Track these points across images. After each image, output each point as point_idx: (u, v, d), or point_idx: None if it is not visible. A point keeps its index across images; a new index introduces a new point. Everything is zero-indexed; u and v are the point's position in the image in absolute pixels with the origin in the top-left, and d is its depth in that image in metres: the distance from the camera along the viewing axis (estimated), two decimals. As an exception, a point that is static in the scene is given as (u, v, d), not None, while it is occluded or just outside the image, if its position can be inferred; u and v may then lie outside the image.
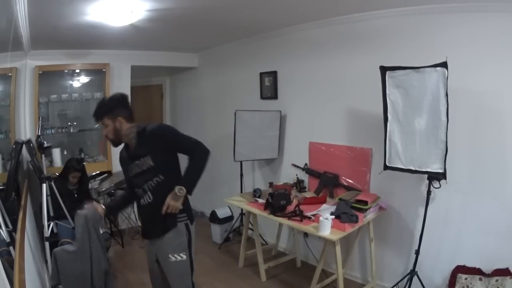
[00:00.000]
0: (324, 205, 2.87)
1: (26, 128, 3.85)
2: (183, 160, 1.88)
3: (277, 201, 2.73)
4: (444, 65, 2.17)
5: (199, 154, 1.84)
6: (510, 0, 2.18)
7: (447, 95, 2.18)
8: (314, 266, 3.13)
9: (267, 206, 2.81)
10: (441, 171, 2.28)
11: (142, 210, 1.97)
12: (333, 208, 2.67)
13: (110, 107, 1.86)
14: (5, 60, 3.00)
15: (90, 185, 3.67)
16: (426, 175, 2.45)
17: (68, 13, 2.64)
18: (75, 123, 4.31)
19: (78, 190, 3.32)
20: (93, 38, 3.48)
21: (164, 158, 1.85)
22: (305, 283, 3.04)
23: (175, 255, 1.86)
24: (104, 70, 4.20)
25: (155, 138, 1.84)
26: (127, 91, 4.49)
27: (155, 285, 2.06)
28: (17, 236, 2.01)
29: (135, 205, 4.83)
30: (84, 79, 4.40)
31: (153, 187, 1.86)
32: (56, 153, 3.99)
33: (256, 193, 3.21)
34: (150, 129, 1.86)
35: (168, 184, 1.81)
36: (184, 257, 1.88)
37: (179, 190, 1.78)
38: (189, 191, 1.82)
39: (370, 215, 2.69)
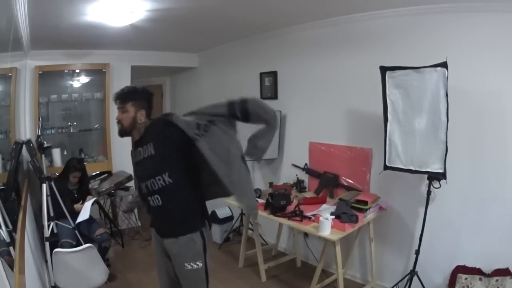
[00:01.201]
0: (324, 205, 2.87)
1: (26, 128, 3.85)
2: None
3: (277, 201, 2.73)
4: (444, 65, 2.17)
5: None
6: (509, 0, 2.18)
7: (447, 95, 2.18)
8: (314, 266, 3.13)
9: (267, 206, 2.81)
10: (441, 171, 2.28)
11: (151, 210, 1.86)
12: (333, 208, 2.67)
13: (141, 96, 1.84)
14: (5, 60, 3.00)
15: (90, 185, 3.67)
16: (426, 175, 2.45)
17: (68, 13, 2.64)
18: (75, 123, 4.31)
19: (78, 190, 3.32)
20: (93, 38, 3.48)
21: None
22: (305, 283, 3.04)
23: (191, 264, 1.80)
24: (104, 70, 4.20)
25: None
26: (127, 91, 4.50)
27: (162, 279, 1.98)
28: (17, 236, 2.01)
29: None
30: (84, 79, 4.40)
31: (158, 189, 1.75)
32: (56, 153, 3.99)
33: (256, 193, 3.21)
34: None
35: (179, 190, 1.75)
36: (200, 264, 1.80)
37: None
38: None
39: (370, 215, 2.69)
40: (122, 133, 1.86)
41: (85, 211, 3.00)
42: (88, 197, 3.28)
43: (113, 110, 4.22)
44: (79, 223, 2.99)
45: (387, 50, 2.75)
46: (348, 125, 3.13)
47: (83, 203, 3.18)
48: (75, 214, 3.01)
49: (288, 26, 3.42)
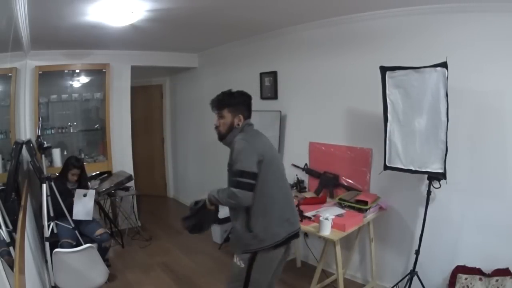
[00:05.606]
0: (324, 205, 2.87)
1: (26, 128, 3.85)
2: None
3: (277, 201, 2.72)
4: (444, 65, 2.17)
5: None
6: (510, 0, 2.18)
7: (447, 95, 2.18)
8: (314, 266, 3.13)
9: (267, 206, 2.80)
10: (441, 171, 2.28)
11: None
12: (333, 208, 2.67)
13: (237, 101, 1.93)
14: (5, 60, 3.00)
15: (90, 185, 3.66)
16: (426, 175, 2.45)
17: (68, 13, 2.64)
18: (75, 123, 4.31)
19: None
20: (93, 38, 3.48)
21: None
22: (305, 283, 3.03)
23: None
24: (104, 70, 4.20)
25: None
26: (127, 91, 4.50)
27: None
28: (17, 236, 2.01)
29: (135, 205, 4.78)
30: (84, 79, 4.40)
31: None
32: (56, 153, 3.99)
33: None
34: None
35: None
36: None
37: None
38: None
39: (370, 215, 2.68)
40: (221, 138, 1.99)
41: (86, 209, 2.99)
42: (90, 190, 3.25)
43: (113, 110, 4.27)
44: (79, 223, 2.99)
45: (387, 50, 2.75)
46: (348, 125, 3.13)
47: None
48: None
49: (288, 26, 3.42)
